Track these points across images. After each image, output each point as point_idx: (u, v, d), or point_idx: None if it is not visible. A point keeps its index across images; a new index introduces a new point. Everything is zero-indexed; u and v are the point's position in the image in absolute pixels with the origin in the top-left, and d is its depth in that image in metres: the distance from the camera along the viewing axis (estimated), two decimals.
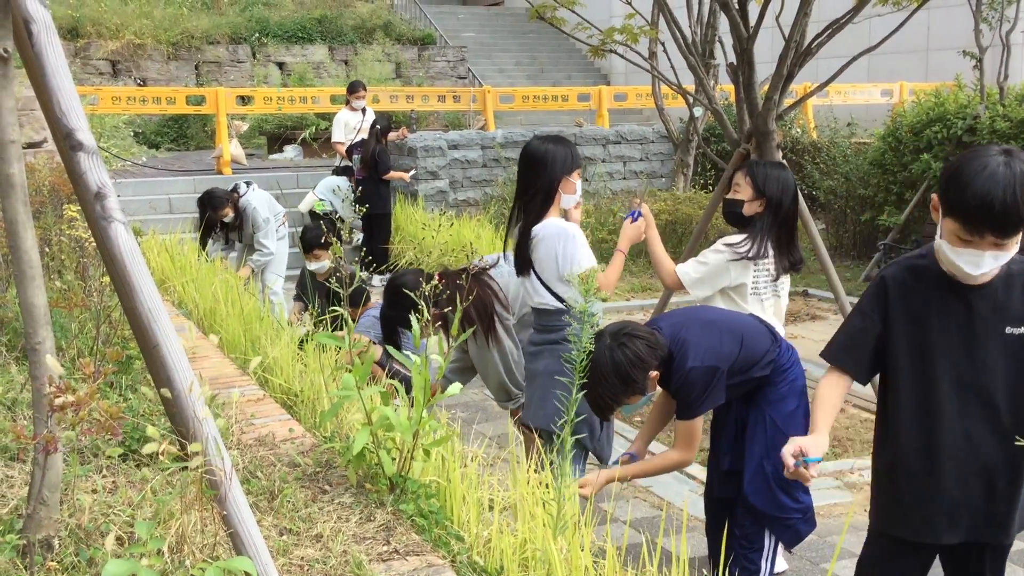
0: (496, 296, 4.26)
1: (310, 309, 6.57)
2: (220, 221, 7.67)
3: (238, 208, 7.65)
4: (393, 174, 10.66)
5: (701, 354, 3.28)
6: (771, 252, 4.04)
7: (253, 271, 7.71)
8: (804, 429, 3.56)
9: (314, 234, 6.81)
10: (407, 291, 3.90)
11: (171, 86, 15.85)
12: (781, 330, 4.08)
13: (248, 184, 7.88)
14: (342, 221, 9.42)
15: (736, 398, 3.47)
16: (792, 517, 3.47)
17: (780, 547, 3.64)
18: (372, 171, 10.23)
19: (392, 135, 11.78)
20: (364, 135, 11.21)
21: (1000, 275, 2.54)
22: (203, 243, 7.72)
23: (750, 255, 3.99)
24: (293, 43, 18.20)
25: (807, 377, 7.02)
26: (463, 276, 4.02)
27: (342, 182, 10.47)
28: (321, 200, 10.32)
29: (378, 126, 10.51)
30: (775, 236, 4.03)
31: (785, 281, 4.20)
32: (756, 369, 3.43)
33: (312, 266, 6.90)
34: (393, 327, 4.60)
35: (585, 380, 3.20)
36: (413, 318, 3.02)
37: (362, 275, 4.46)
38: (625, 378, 3.20)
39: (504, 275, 4.44)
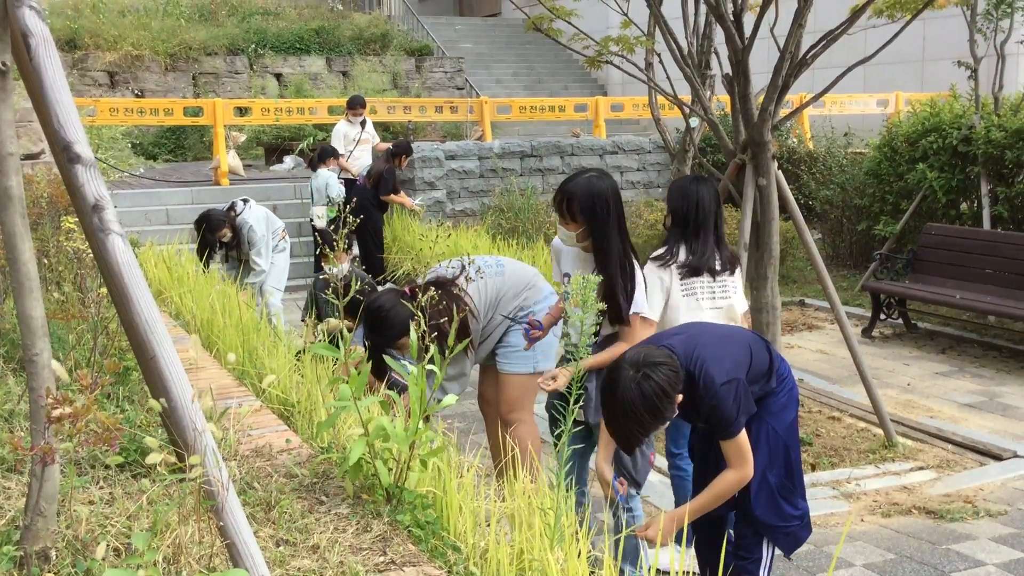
0: (470, 309, 4.24)
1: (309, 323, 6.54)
2: (219, 241, 7.68)
3: (235, 227, 7.67)
4: (393, 197, 10.73)
5: (725, 369, 3.21)
6: (684, 257, 4.25)
7: (252, 294, 7.71)
8: (798, 440, 3.57)
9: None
10: (405, 304, 3.89)
11: (169, 97, 15.88)
12: None
13: (245, 201, 7.88)
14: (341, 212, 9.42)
15: None
16: (792, 525, 3.47)
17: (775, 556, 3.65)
18: (374, 186, 10.43)
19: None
20: (363, 146, 11.25)
21: None
22: (205, 264, 7.73)
23: (663, 260, 4.26)
24: (290, 54, 18.23)
25: (803, 386, 7.02)
26: (456, 288, 4.01)
27: (330, 178, 10.45)
28: (331, 206, 10.33)
29: (401, 154, 10.71)
30: (686, 243, 4.26)
31: (730, 286, 4.30)
32: (773, 381, 3.42)
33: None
34: (379, 353, 4.49)
35: (610, 415, 3.14)
36: (412, 331, 3.02)
37: (364, 284, 4.42)
38: (654, 411, 3.07)
39: (493, 275, 4.43)
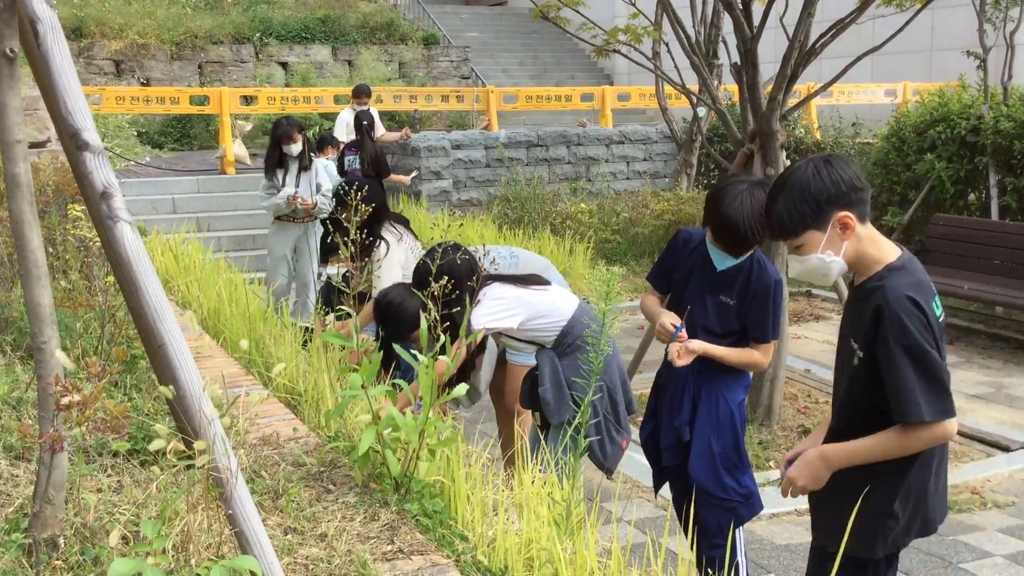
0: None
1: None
2: (281, 149, 7.82)
3: (308, 145, 7.93)
4: (394, 177, 10.59)
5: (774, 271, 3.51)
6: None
7: (316, 205, 7.93)
8: (745, 423, 3.59)
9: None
10: (415, 298, 3.88)
11: (174, 86, 15.85)
12: None
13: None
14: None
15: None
16: (734, 500, 3.48)
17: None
18: (376, 171, 10.08)
19: (393, 135, 11.77)
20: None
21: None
22: (269, 169, 7.90)
23: (398, 238, 5.32)
24: (296, 43, 18.20)
25: (809, 377, 6.99)
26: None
27: (326, 166, 10.36)
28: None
29: (364, 122, 10.12)
30: (401, 221, 5.47)
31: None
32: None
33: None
34: (391, 346, 4.48)
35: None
36: (422, 319, 3.01)
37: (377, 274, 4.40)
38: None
39: (507, 266, 4.42)
